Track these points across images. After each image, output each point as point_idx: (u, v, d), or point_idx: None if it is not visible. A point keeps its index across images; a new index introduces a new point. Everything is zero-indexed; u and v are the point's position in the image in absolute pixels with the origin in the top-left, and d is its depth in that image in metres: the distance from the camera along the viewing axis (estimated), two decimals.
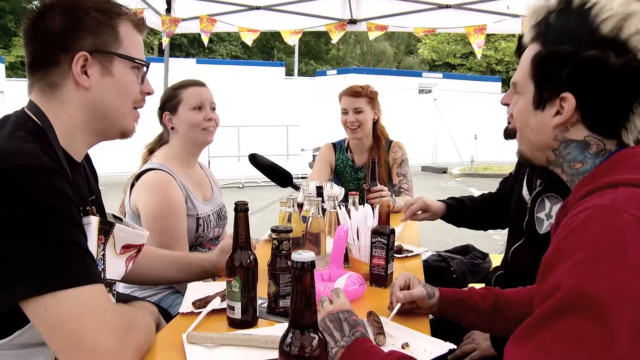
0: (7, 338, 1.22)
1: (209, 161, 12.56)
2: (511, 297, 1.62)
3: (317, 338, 0.94)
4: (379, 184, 2.93)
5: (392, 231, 1.88)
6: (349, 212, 2.03)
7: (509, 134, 2.12)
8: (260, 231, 2.47)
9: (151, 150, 2.56)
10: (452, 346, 1.41)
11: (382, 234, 1.86)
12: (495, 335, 1.83)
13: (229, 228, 2.69)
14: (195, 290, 1.77)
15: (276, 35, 24.87)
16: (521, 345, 0.94)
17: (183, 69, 13.33)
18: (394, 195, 3.48)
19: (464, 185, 13.99)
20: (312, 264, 0.92)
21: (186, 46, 29.09)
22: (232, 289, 1.48)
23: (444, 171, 16.83)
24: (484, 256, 3.38)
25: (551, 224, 1.96)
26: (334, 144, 3.69)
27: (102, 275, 1.38)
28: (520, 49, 2.12)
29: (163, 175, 2.29)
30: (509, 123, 2.11)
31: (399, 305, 1.55)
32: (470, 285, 3.35)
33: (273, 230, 1.57)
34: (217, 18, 5.41)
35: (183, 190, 2.34)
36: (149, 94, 1.49)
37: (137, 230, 1.54)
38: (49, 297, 1.11)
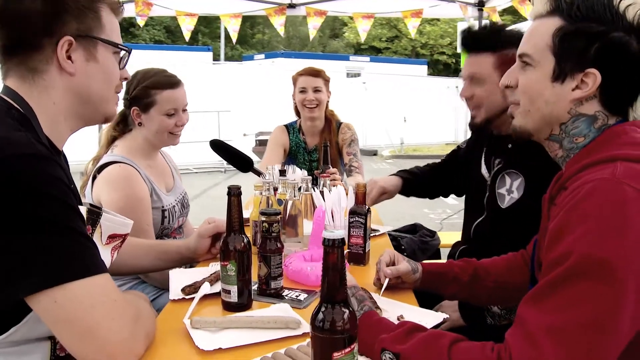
0: (2, 335, 1.18)
1: None
2: (488, 267, 1.72)
3: (348, 312, 0.98)
4: (331, 167, 2.98)
5: (369, 210, 1.94)
6: (322, 194, 2.07)
7: (477, 125, 2.19)
8: (198, 218, 2.45)
9: (113, 138, 2.46)
10: (446, 316, 1.49)
11: (360, 214, 1.91)
12: (475, 303, 1.92)
13: (192, 216, 2.69)
14: (178, 277, 1.77)
15: (201, 20, 24.37)
16: (536, 306, 1.02)
17: None
18: (345, 176, 3.55)
19: (395, 167, 14.28)
20: (343, 241, 0.96)
21: None
22: (227, 272, 1.49)
23: (374, 153, 17.12)
24: (432, 234, 3.49)
25: (513, 198, 2.07)
26: (286, 126, 3.69)
27: None
28: (465, 42, 2.21)
29: (126, 168, 2.23)
30: (473, 117, 2.19)
31: (387, 280, 1.62)
32: (424, 262, 3.48)
33: (262, 213, 1.59)
34: (153, 2, 5.27)
35: (147, 183, 2.30)
36: (126, 79, 1.47)
37: (122, 219, 1.52)
38: (59, 290, 1.08)
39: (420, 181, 2.73)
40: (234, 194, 1.49)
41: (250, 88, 14.50)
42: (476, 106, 2.15)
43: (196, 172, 12.38)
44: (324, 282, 0.98)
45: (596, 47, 1.15)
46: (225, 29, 5.62)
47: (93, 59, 1.32)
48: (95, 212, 1.36)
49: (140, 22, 5.36)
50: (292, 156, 3.65)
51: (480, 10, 5.24)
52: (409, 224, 3.55)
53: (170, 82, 2.37)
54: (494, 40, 2.08)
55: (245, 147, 12.65)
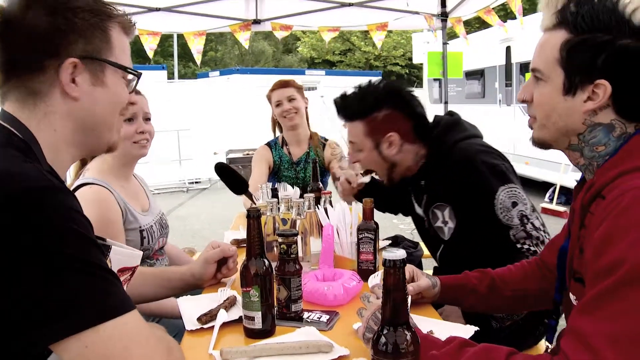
0: None
1: None
2: (504, 276, 1.71)
3: (410, 334, 0.95)
4: (320, 184, 2.96)
5: (377, 225, 1.91)
6: (326, 211, 2.03)
7: (384, 181, 2.26)
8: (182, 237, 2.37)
9: (84, 162, 2.39)
10: (476, 328, 1.46)
11: (369, 230, 1.88)
12: (494, 313, 1.91)
13: (173, 237, 2.61)
14: (189, 305, 1.70)
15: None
16: (592, 315, 1.01)
17: None
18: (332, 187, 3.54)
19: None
20: (404, 261, 0.93)
21: None
22: (250, 298, 1.44)
23: None
24: (415, 245, 3.49)
25: (450, 228, 2.08)
26: (268, 144, 3.67)
27: None
28: (338, 112, 2.19)
29: (98, 189, 2.14)
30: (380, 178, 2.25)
31: (410, 298, 1.59)
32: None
33: (280, 235, 1.54)
34: None
35: (122, 205, 2.22)
36: (132, 104, 1.39)
37: (131, 251, 1.44)
38: (90, 333, 0.99)
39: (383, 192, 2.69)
40: (254, 216, 1.44)
41: (207, 105, 14.34)
42: (366, 170, 2.26)
43: (158, 193, 12.14)
44: (386, 304, 0.95)
45: (603, 58, 1.14)
46: (185, 48, 5.52)
47: (100, 83, 1.22)
48: (105, 246, 1.29)
49: None
50: (277, 171, 3.61)
51: (444, 20, 5.31)
52: (390, 236, 3.55)
53: None
54: (362, 107, 2.09)
55: (196, 168, 12.45)
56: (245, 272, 1.45)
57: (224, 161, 10.48)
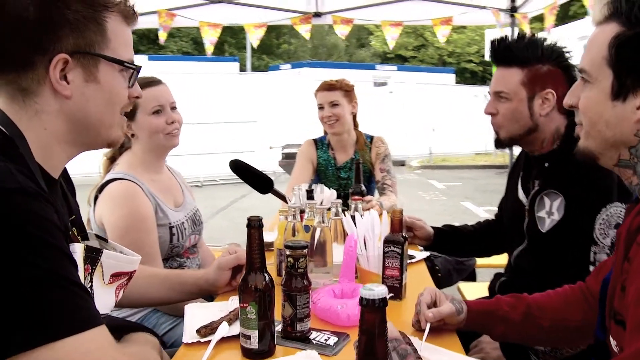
0: None
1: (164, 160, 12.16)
2: (542, 303, 1.52)
3: None
4: (363, 187, 2.80)
5: (406, 239, 1.75)
6: (353, 218, 1.88)
7: (500, 143, 2.04)
8: (226, 232, 2.28)
9: (112, 159, 2.34)
10: None
11: (396, 243, 1.72)
12: (528, 344, 1.72)
13: (206, 233, 2.53)
14: (194, 314, 1.60)
15: (227, 30, 24.48)
16: None
17: None
18: (377, 195, 3.37)
19: (424, 177, 14.05)
20: (384, 301, 0.78)
21: (135, 42, 28.11)
22: (247, 315, 1.31)
23: (402, 164, 16.87)
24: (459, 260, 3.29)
25: (554, 220, 1.88)
26: (315, 140, 3.52)
27: None
28: (495, 54, 2.02)
29: (128, 185, 2.09)
30: (497, 133, 2.02)
31: (429, 325, 1.42)
32: (460, 284, 3.28)
33: (287, 247, 1.41)
34: (176, 12, 5.17)
35: (151, 199, 2.15)
36: (137, 98, 1.28)
37: (128, 255, 1.35)
38: (44, 351, 0.91)
39: (460, 235, 2.50)
40: (254, 226, 1.32)
41: (276, 98, 14.42)
42: (499, 124, 1.99)
43: (223, 184, 12.28)
44: (362, 349, 0.80)
45: None
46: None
47: (93, 80, 1.13)
48: (95, 250, 1.20)
49: (163, 34, 5.24)
50: (320, 173, 3.47)
51: (512, 16, 5.01)
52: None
53: (148, 81, 2.22)
54: (527, 54, 1.90)
55: (272, 160, 12.66)
56: (243, 287, 1.32)
57: (281, 155, 10.45)
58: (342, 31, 5.44)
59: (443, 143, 17.39)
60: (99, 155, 2.34)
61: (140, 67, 1.24)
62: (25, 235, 0.93)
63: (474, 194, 10.53)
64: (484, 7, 4.98)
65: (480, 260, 3.33)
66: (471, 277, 3.40)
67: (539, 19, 5.06)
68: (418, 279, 2.00)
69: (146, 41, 27.15)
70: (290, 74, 18.22)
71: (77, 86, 1.12)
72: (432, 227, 2.43)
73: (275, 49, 36.46)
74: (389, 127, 17.54)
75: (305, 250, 1.41)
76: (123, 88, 1.20)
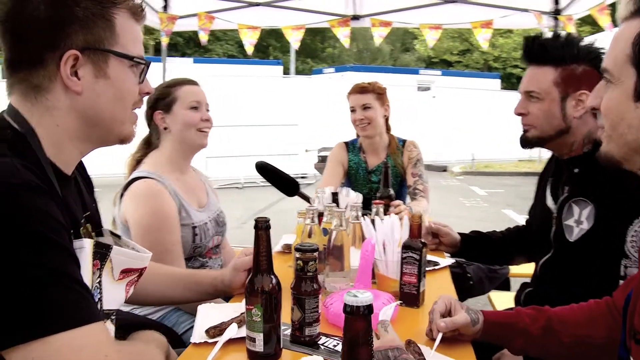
0: None
1: (206, 161, 12.34)
2: (565, 317, 1.44)
3: None
4: (391, 191, 2.75)
5: (424, 245, 1.70)
6: (373, 222, 1.84)
7: (527, 142, 1.96)
8: None
9: (139, 160, 2.36)
10: None
11: (414, 249, 1.68)
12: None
13: (242, 235, 2.52)
14: (207, 314, 1.59)
15: (272, 34, 24.66)
16: None
17: (180, 68, 13.09)
18: (408, 202, 3.30)
19: (465, 183, 13.82)
20: (369, 308, 0.74)
21: (182, 46, 28.75)
22: (252, 318, 1.29)
23: (444, 169, 16.66)
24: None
25: (582, 229, 1.79)
26: (346, 143, 3.48)
27: (99, 307, 1.19)
28: (528, 52, 1.95)
29: (152, 183, 2.11)
30: (525, 131, 1.94)
31: (440, 335, 1.37)
32: (491, 293, 3.18)
33: (297, 250, 1.38)
34: (215, 15, 5.22)
35: (175, 199, 2.16)
36: (147, 93, 1.29)
37: (138, 252, 1.35)
38: (37, 345, 0.91)
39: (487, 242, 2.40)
40: (262, 227, 1.30)
41: (318, 102, 14.45)
42: (529, 124, 1.91)
43: (262, 186, 12.35)
44: (343, 357, 0.76)
45: None
46: (304, 43, 5.50)
47: (103, 75, 1.15)
48: (105, 246, 1.20)
49: (203, 36, 5.29)
50: (350, 177, 3.43)
51: (556, 19, 4.85)
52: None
53: (188, 80, 2.29)
54: (562, 53, 1.82)
55: (308, 162, 12.66)
56: (249, 289, 1.31)
57: (317, 158, 10.42)
58: (380, 33, 5.38)
59: (486, 149, 17.10)
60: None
61: (150, 62, 1.24)
62: (24, 231, 0.94)
63: (516, 201, 10.30)
64: (526, 10, 4.84)
65: (514, 269, 3.23)
66: (505, 286, 3.29)
67: (588, 21, 4.87)
68: (440, 287, 1.94)
69: (192, 44, 27.63)
70: (333, 78, 18.26)
71: (87, 82, 1.13)
72: (459, 233, 2.35)
73: (320, 52, 36.61)
74: (431, 132, 17.42)
75: (315, 254, 1.38)
76: (133, 84, 1.21)
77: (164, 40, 5.21)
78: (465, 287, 2.92)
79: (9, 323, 0.91)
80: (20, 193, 0.95)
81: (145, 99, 2.26)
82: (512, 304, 2.27)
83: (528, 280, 2.26)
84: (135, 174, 2.17)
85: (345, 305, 0.74)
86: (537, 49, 1.88)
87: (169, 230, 2.10)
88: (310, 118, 14.19)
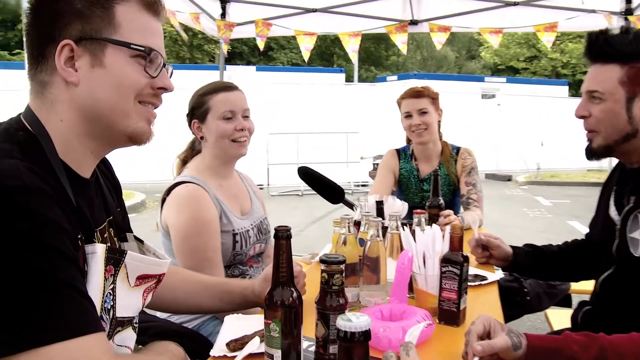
0: None
1: (267, 168, 12.43)
2: (620, 346, 1.29)
3: None
4: (441, 200, 2.62)
5: (466, 259, 1.58)
6: (413, 233, 1.73)
7: (593, 153, 1.80)
8: (319, 242, 2.20)
9: (184, 161, 2.34)
10: None
11: (454, 263, 1.56)
12: None
13: (301, 242, 2.46)
14: (232, 325, 1.53)
15: (336, 42, 24.71)
16: None
17: (243, 76, 13.28)
18: (461, 212, 3.16)
19: (530, 193, 13.35)
20: (366, 335, 0.65)
21: (247, 54, 29.29)
22: (270, 333, 1.22)
23: (508, 179, 16.17)
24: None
25: None
26: (397, 150, 3.37)
27: (112, 313, 1.14)
28: (592, 48, 1.79)
29: (194, 188, 2.08)
30: (589, 141, 1.79)
31: (476, 359, 1.25)
32: (548, 310, 2.98)
33: (322, 261, 1.29)
34: (272, 22, 5.21)
35: (217, 205, 2.11)
36: (164, 89, 1.22)
37: (155, 258, 1.31)
38: (31, 355, 0.87)
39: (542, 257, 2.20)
40: (282, 236, 1.22)
41: (380, 109, 14.33)
42: (592, 129, 1.75)
43: None
44: None
45: None
46: (368, 52, 5.43)
47: (99, 64, 1.11)
48: (119, 251, 1.16)
49: (260, 43, 5.30)
50: (402, 185, 3.31)
51: (627, 19, 4.56)
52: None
53: (224, 85, 2.20)
54: (630, 49, 1.66)
55: (363, 170, 12.54)
56: (267, 301, 1.23)
57: (372, 166, 10.27)
58: (439, 39, 5.23)
59: (552, 158, 16.50)
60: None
61: (156, 51, 1.18)
62: (16, 233, 0.90)
63: (582, 212, 9.80)
64: (594, 11, 4.58)
65: (575, 285, 3.02)
66: (566, 302, 3.09)
67: None
68: (485, 304, 1.81)
69: (257, 53, 28.08)
70: (396, 85, 18.07)
71: (84, 72, 1.11)
72: (511, 247, 2.20)
73: (384, 60, 36.45)
74: (496, 140, 16.97)
75: (342, 266, 1.28)
76: (137, 74, 1.15)
77: (224, 48, 5.24)
78: (522, 303, 2.76)
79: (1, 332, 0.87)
80: (16, 195, 0.92)
81: (186, 104, 2.25)
82: (569, 323, 2.10)
83: (589, 297, 2.09)
84: (178, 179, 2.15)
85: (339, 330, 0.65)
86: (601, 45, 1.72)
87: (208, 236, 2.06)
88: (371, 125, 14.10)
